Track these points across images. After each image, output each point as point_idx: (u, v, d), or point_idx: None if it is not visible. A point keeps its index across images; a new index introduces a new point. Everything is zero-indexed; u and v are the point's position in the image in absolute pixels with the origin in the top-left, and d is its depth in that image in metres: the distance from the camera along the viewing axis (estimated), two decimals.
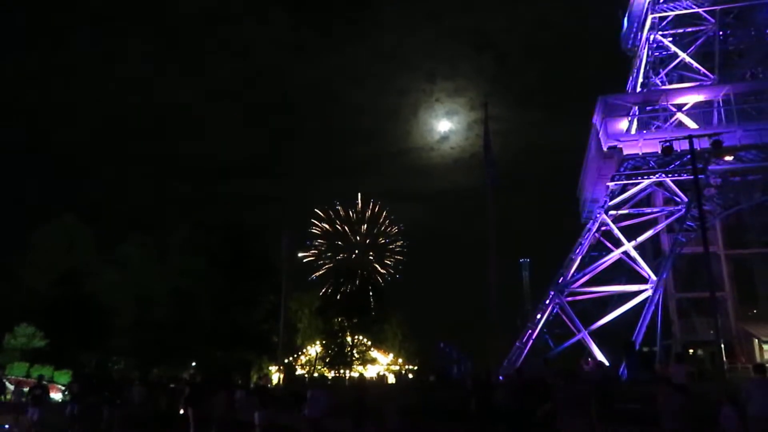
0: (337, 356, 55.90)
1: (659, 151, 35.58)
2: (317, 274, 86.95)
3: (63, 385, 33.61)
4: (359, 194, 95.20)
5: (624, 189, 45.23)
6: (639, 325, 40.55)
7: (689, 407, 11.58)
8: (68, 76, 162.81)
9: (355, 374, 50.45)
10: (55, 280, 46.36)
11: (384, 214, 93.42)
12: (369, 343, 60.93)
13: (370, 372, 63.49)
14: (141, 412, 24.94)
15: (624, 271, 45.57)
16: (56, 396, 33.30)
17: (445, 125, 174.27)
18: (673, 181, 43.57)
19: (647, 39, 52.73)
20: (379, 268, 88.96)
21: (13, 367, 36.85)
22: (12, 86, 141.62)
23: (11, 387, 29.74)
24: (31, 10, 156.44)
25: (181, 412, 20.09)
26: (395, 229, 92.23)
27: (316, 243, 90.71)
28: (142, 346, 46.66)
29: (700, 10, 51.57)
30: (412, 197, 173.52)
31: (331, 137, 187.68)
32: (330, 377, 56.53)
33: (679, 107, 45.39)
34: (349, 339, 55.92)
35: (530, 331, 46.07)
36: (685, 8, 51.94)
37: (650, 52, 52.59)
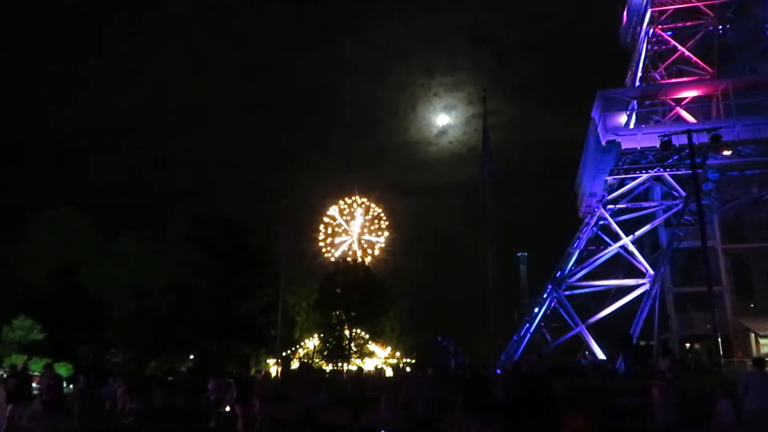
0: (335, 350, 55.96)
1: (658, 146, 35.66)
2: (321, 258, 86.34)
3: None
4: (356, 190, 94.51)
5: (622, 183, 45.25)
6: (636, 319, 40.64)
7: (678, 399, 11.63)
8: (67, 69, 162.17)
9: (353, 367, 50.53)
10: (52, 272, 46.26)
11: (378, 212, 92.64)
12: (367, 336, 61.00)
13: (368, 365, 63.63)
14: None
15: (622, 266, 45.64)
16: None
17: (443, 119, 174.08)
18: (671, 175, 43.58)
19: (646, 33, 52.63)
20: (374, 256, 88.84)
21: (11, 359, 36.83)
22: (11, 79, 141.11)
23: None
24: (31, 5, 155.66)
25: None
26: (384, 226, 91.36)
27: (315, 236, 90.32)
28: (139, 338, 46.72)
29: (699, 4, 51.48)
30: (410, 191, 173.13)
31: (329, 131, 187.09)
32: (328, 370, 56.63)
33: (678, 102, 45.39)
34: (347, 332, 55.97)
35: (528, 324, 46.16)
36: (685, 2, 51.82)
37: (649, 47, 52.51)
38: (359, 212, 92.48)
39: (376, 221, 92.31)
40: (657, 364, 23.75)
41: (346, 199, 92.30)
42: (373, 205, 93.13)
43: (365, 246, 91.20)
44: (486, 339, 45.94)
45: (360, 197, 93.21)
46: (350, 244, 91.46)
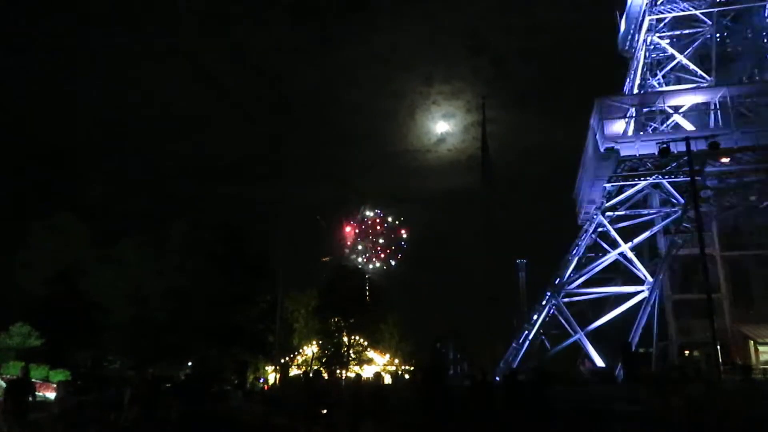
0: (334, 356, 55.76)
1: (656, 153, 35.74)
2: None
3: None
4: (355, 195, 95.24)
5: (621, 190, 45.30)
6: (635, 326, 40.62)
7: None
8: (68, 74, 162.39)
9: (352, 374, 50.32)
10: (50, 278, 46.15)
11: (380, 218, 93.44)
12: (366, 343, 60.79)
13: (367, 372, 63.43)
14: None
15: (620, 273, 45.65)
16: (50, 395, 33.15)
17: (442, 127, 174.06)
18: (669, 182, 43.65)
19: (644, 41, 52.83)
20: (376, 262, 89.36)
21: (9, 366, 36.71)
22: (11, 83, 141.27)
23: (3, 385, 29.56)
24: (31, 8, 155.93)
25: None
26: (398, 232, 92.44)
27: (313, 243, 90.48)
28: (137, 344, 46.51)
29: (697, 12, 51.66)
30: (409, 199, 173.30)
31: (329, 139, 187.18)
32: (326, 377, 56.36)
33: (676, 109, 45.50)
34: (345, 339, 55.80)
35: (527, 332, 46.12)
36: (683, 10, 52.03)
37: (647, 54, 52.70)
38: (358, 219, 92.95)
39: (374, 228, 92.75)
40: (652, 371, 23.68)
41: (345, 206, 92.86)
42: (370, 212, 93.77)
43: (364, 253, 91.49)
44: (485, 346, 45.98)
45: (358, 205, 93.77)
46: (349, 251, 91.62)
